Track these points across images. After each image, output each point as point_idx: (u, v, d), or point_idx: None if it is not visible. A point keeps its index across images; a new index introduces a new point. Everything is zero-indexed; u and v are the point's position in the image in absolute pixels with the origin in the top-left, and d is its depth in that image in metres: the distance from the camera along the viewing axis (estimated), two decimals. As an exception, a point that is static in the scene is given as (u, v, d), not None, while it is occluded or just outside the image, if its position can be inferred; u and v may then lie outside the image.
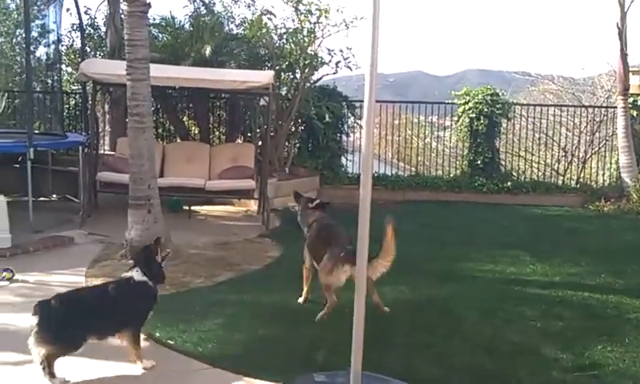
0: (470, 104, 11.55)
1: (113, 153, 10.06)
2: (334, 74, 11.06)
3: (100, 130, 10.66)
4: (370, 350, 3.84)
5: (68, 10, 10.88)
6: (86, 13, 11.36)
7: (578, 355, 4.58)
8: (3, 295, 5.63)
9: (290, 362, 4.31)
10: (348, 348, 3.64)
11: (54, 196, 9.69)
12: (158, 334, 4.69)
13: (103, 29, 11.40)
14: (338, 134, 11.69)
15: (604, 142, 12.82)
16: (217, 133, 11.72)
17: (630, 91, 11.54)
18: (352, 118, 11.89)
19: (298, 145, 11.50)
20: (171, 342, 4.59)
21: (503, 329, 5.10)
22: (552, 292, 6.05)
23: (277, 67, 10.46)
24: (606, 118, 12.66)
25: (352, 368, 3.57)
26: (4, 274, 5.98)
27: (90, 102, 9.64)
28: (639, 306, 5.66)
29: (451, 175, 12.07)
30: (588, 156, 13.12)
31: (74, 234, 7.67)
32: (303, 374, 4.05)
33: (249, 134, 11.40)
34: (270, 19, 10.69)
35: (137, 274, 4.23)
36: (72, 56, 11.68)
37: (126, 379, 4.08)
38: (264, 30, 10.47)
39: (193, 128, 11.64)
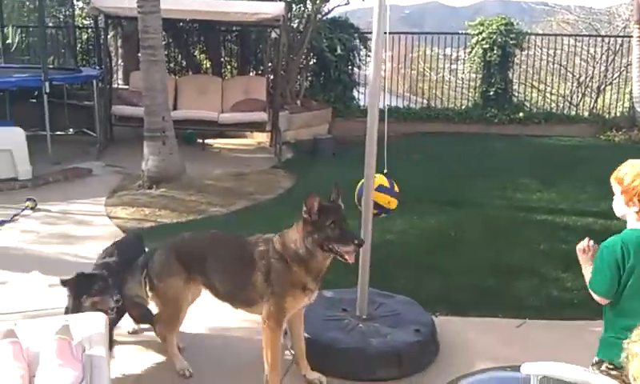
0: (484, 34, 11.41)
1: (126, 87, 10.16)
2: (346, 4, 10.99)
3: (113, 64, 10.72)
4: (379, 272, 4.01)
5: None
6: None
7: (578, 275, 4.73)
8: (28, 224, 5.88)
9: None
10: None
11: (71, 130, 9.86)
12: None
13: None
14: (350, 67, 11.65)
15: (619, 72, 12.67)
16: (228, 66, 11.74)
17: (647, 20, 11.30)
18: (364, 50, 11.82)
19: (309, 78, 11.49)
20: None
21: (507, 251, 5.27)
22: (557, 217, 6.21)
23: (288, -1, 10.38)
24: (622, 48, 12.46)
25: (359, 284, 3.76)
26: (27, 203, 6.22)
27: (103, 37, 9.66)
28: None
29: (463, 107, 12.05)
30: (603, 87, 12.99)
31: (92, 166, 7.90)
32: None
33: (260, 67, 11.42)
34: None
35: None
36: (83, -10, 11.63)
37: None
38: (275, -39, 10.33)
39: (205, 61, 11.68)
